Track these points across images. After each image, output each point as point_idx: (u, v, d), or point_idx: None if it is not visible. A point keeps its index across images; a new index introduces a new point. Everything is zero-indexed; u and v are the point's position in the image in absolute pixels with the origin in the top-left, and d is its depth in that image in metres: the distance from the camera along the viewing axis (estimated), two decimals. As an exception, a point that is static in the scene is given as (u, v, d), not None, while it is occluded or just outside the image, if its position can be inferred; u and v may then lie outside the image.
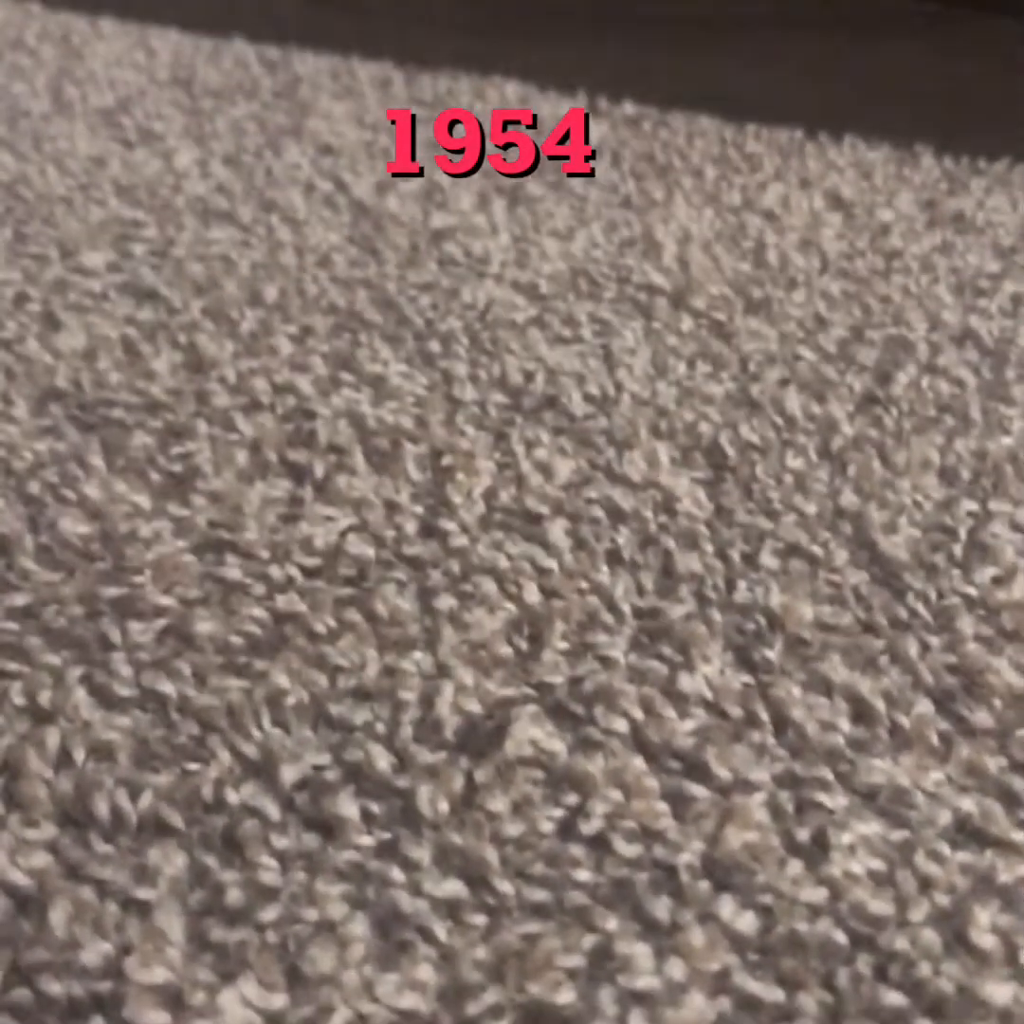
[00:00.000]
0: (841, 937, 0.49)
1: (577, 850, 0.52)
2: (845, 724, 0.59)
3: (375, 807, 0.54)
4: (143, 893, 0.50)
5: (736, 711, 0.59)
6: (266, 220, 1.06)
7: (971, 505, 0.75)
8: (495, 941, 0.48)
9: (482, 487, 0.74)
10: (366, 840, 0.52)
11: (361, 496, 0.72)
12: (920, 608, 0.67)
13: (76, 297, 0.92)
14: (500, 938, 0.49)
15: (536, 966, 0.47)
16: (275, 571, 0.66)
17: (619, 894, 0.51)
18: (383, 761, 0.56)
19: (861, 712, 0.60)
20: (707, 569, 0.69)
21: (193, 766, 0.55)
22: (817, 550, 0.70)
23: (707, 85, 1.51)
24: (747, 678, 0.61)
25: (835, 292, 0.99)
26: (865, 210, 1.14)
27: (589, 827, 0.53)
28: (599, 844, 0.53)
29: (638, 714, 0.59)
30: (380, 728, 0.57)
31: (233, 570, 0.66)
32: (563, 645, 0.63)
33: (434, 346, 0.88)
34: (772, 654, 0.63)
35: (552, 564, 0.68)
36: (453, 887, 0.50)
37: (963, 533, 0.73)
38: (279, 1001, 0.46)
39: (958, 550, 0.71)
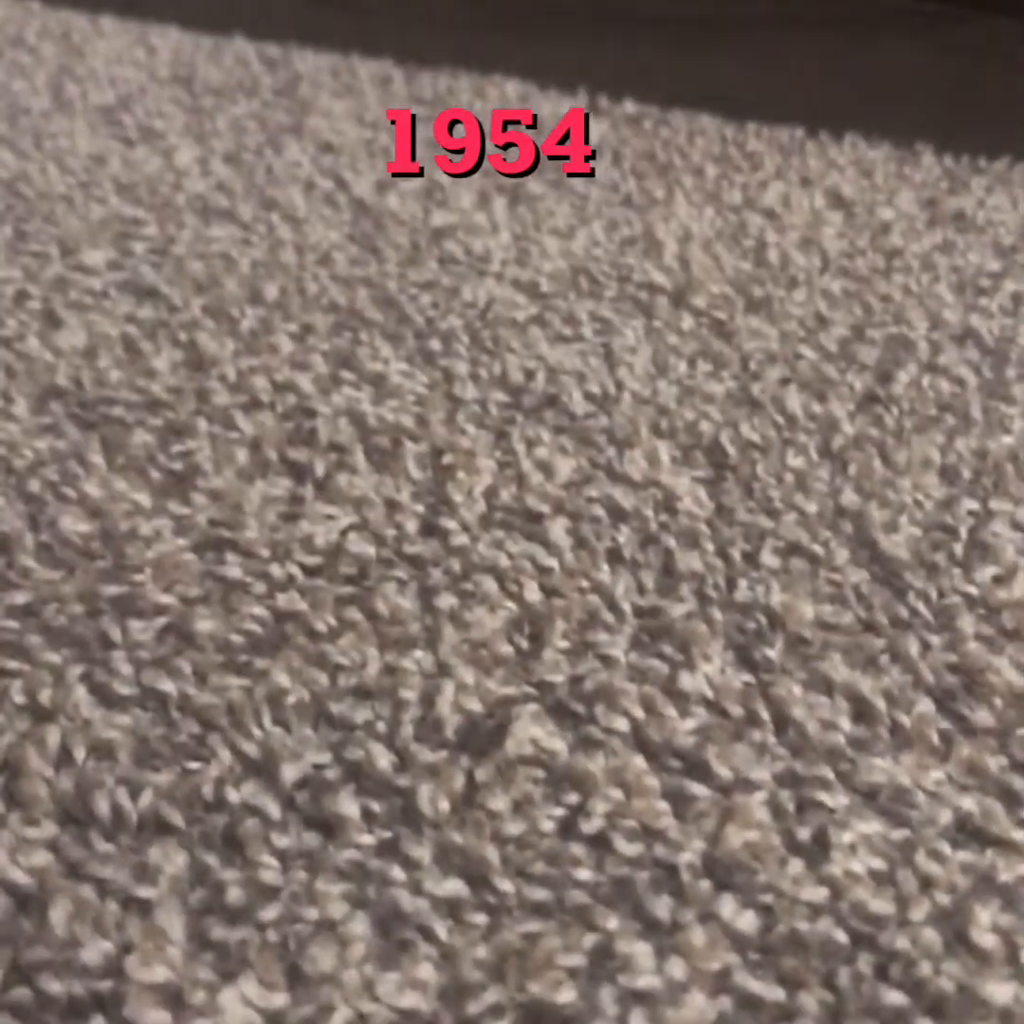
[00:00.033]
0: (842, 936, 0.49)
1: (578, 849, 0.52)
2: (846, 723, 0.59)
3: (376, 806, 0.54)
4: (144, 892, 0.50)
5: (737, 710, 0.59)
6: (266, 218, 1.05)
7: (972, 504, 0.75)
8: (496, 940, 0.48)
9: (483, 486, 0.74)
10: (367, 839, 0.52)
11: (362, 494, 0.72)
12: (921, 607, 0.66)
13: (76, 295, 0.92)
14: (501, 937, 0.49)
15: (537, 965, 0.47)
16: (276, 569, 0.66)
17: (620, 893, 0.51)
18: (384, 760, 0.56)
19: (862, 711, 0.60)
20: (708, 568, 0.69)
21: (194, 765, 0.55)
22: (818, 549, 0.70)
23: (708, 84, 1.51)
24: (748, 677, 0.61)
25: (836, 291, 0.99)
26: (866, 209, 1.14)
27: (590, 826, 0.53)
28: (600, 843, 0.53)
29: (639, 713, 0.59)
30: (381, 727, 0.57)
31: (233, 568, 0.66)
32: (564, 644, 0.63)
33: (435, 344, 0.88)
34: (773, 653, 0.63)
35: (553, 563, 0.68)
36: (454, 886, 0.50)
37: (964, 532, 0.72)
38: (280, 1000, 0.46)
39: (959, 549, 0.71)
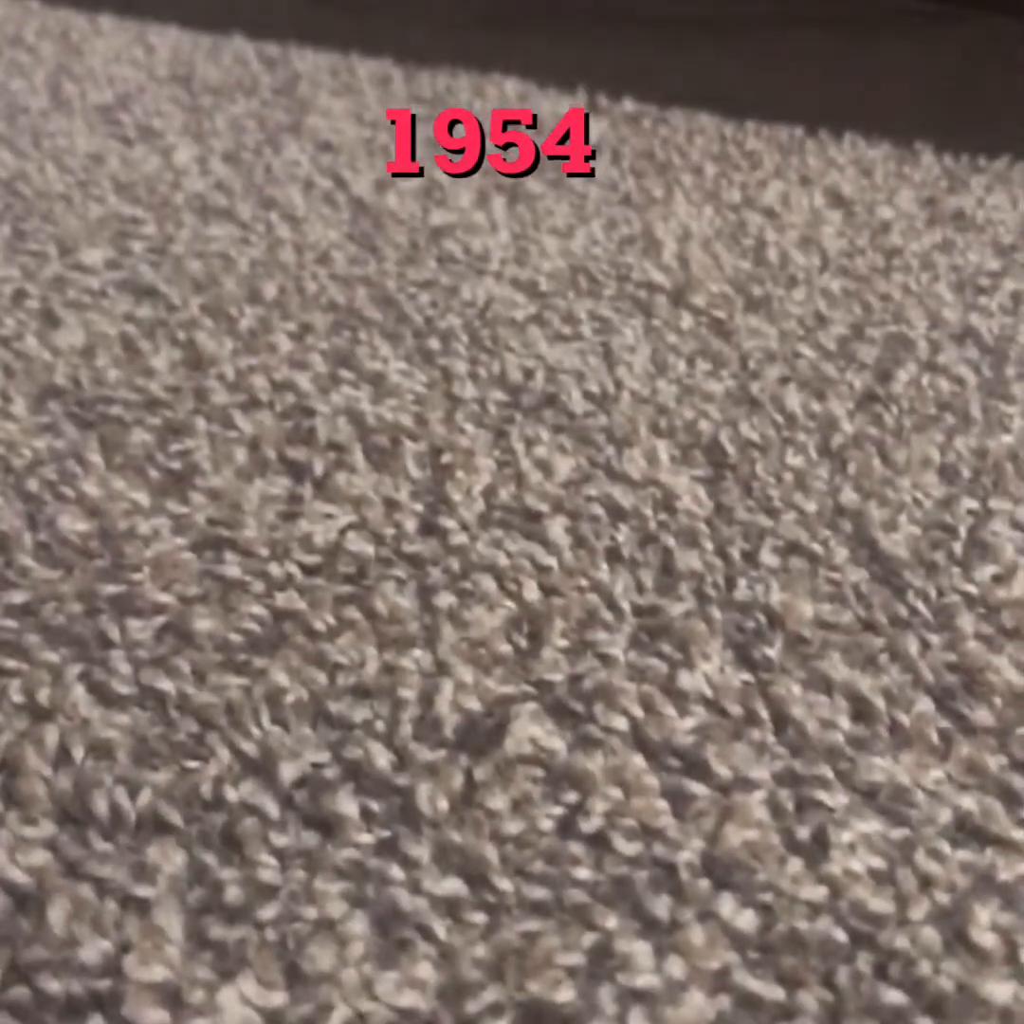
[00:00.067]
0: (841, 935, 0.49)
1: (577, 848, 0.52)
2: (845, 722, 0.59)
3: (374, 805, 0.54)
4: (142, 891, 0.49)
5: (736, 709, 0.59)
6: (265, 217, 1.05)
7: (971, 503, 0.75)
8: (495, 939, 0.48)
9: (482, 485, 0.74)
10: (365, 838, 0.52)
11: (360, 494, 0.72)
12: (920, 606, 0.66)
13: (75, 294, 0.92)
14: (500, 936, 0.48)
15: (536, 964, 0.47)
16: (274, 569, 0.66)
17: (619, 892, 0.51)
18: (382, 759, 0.56)
19: (861, 710, 0.60)
20: (707, 567, 0.69)
21: (192, 764, 0.55)
22: (817, 548, 0.70)
23: (707, 82, 1.51)
24: (747, 676, 0.61)
25: (835, 290, 0.99)
26: (865, 208, 1.14)
27: (589, 825, 0.53)
28: (599, 842, 0.53)
29: (638, 712, 0.59)
30: (379, 726, 0.57)
31: (232, 568, 0.66)
32: (563, 643, 0.63)
33: (434, 343, 0.88)
34: (772, 652, 0.63)
35: (552, 562, 0.68)
36: (453, 885, 0.50)
37: (963, 531, 0.72)
38: (278, 999, 0.46)
39: (958, 548, 0.71)
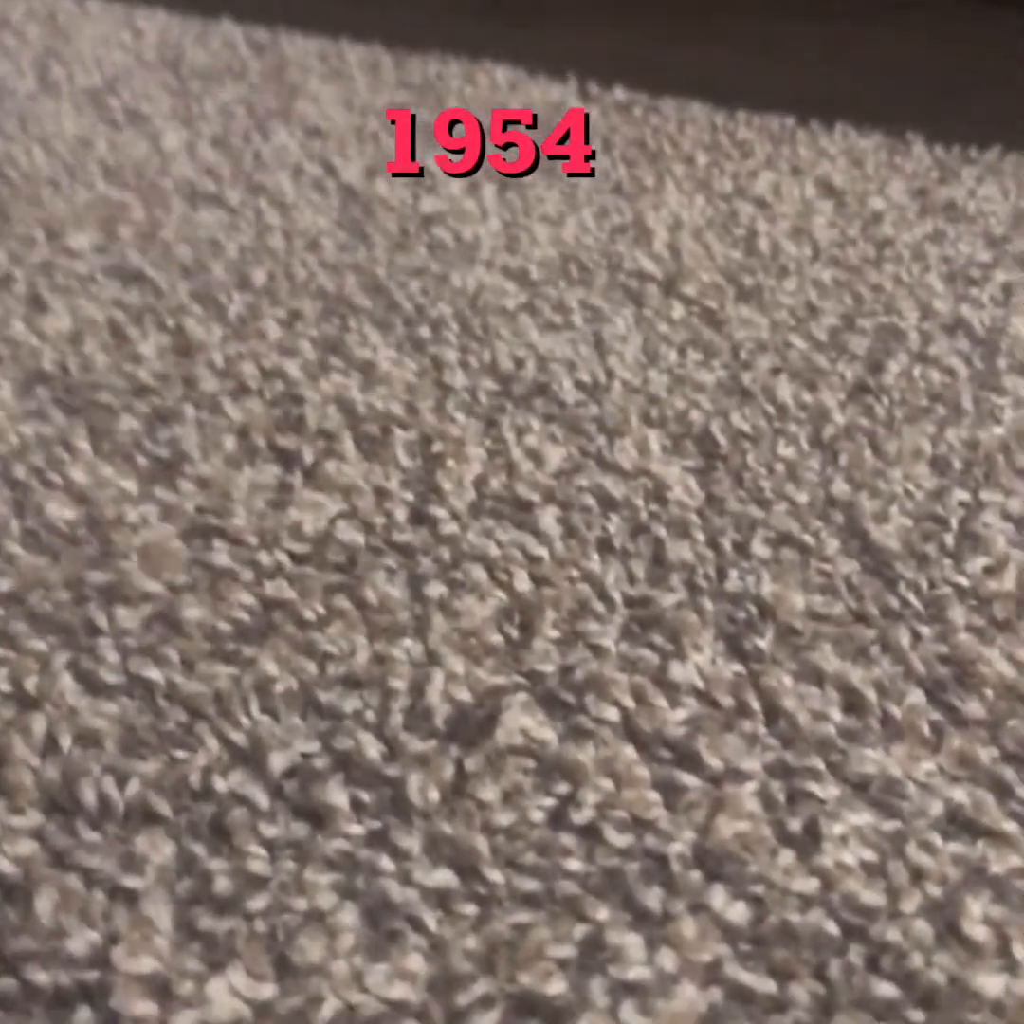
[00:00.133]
0: (833, 928, 0.49)
1: (568, 839, 0.52)
2: (836, 714, 0.59)
3: (365, 795, 0.53)
4: (130, 881, 0.49)
5: (727, 700, 0.59)
6: (254, 203, 1.05)
7: (963, 494, 0.75)
8: (485, 931, 0.48)
9: (472, 474, 0.73)
10: (356, 829, 0.52)
11: (350, 482, 0.72)
12: (912, 598, 0.66)
13: (62, 279, 0.91)
14: (490, 928, 0.48)
15: (527, 956, 0.47)
16: (264, 557, 0.66)
17: (610, 884, 0.51)
18: (373, 749, 0.55)
19: (852, 702, 0.60)
20: (698, 558, 0.68)
21: (181, 753, 0.55)
22: (808, 539, 0.70)
23: (698, 71, 1.50)
24: (738, 667, 0.61)
25: (826, 280, 0.99)
26: (856, 198, 1.14)
27: (580, 816, 0.53)
28: (590, 833, 0.53)
29: (629, 703, 0.58)
30: (370, 716, 0.57)
31: (221, 556, 0.66)
32: (554, 633, 0.62)
33: (424, 332, 0.88)
34: (763, 643, 0.63)
35: (543, 552, 0.68)
36: (443, 876, 0.50)
37: (955, 523, 0.72)
38: (268, 991, 0.46)
39: (950, 540, 0.71)
